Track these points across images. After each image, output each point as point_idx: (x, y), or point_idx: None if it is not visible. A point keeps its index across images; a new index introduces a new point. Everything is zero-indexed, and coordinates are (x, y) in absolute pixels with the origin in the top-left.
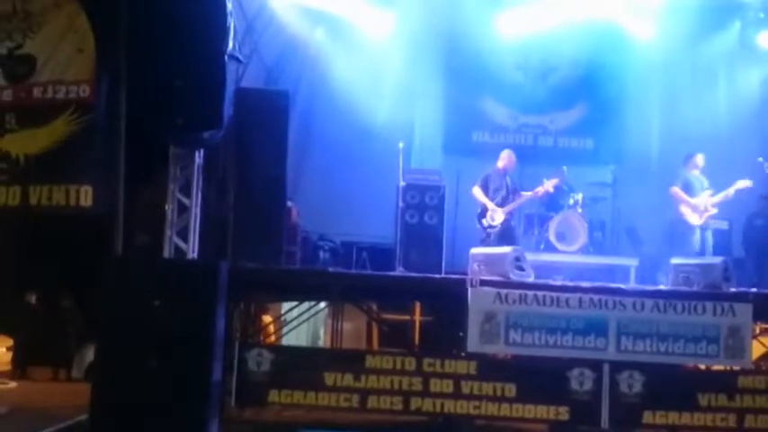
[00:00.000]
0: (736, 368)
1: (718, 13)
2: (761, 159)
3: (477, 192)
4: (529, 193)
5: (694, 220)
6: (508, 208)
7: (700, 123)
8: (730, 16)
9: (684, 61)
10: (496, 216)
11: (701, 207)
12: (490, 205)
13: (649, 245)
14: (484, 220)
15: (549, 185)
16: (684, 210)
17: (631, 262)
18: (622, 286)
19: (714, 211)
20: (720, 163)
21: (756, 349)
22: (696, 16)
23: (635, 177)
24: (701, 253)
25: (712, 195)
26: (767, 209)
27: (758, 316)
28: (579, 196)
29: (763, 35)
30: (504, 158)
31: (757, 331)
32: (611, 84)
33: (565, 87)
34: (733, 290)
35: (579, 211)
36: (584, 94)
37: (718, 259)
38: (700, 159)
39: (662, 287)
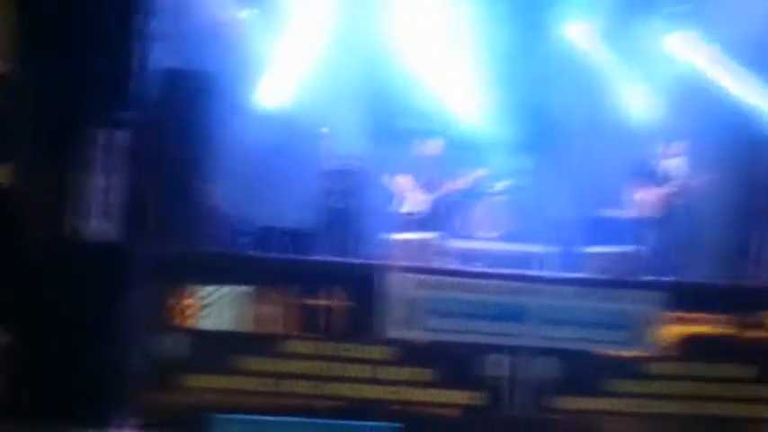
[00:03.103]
0: (647, 354)
1: (640, 3)
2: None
3: (402, 177)
4: (454, 184)
5: (649, 210)
6: (431, 196)
7: (620, 111)
8: (651, 7)
9: (607, 49)
10: (419, 203)
11: (656, 196)
12: (413, 192)
13: (569, 233)
14: (406, 207)
15: (474, 176)
16: (641, 199)
17: (550, 250)
18: (540, 274)
19: (671, 202)
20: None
21: (667, 336)
22: (619, 6)
23: (556, 166)
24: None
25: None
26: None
27: (669, 304)
28: (501, 184)
29: (676, 35)
30: (433, 146)
31: (669, 318)
32: (535, 73)
33: (488, 73)
34: (646, 278)
35: (500, 198)
36: (507, 82)
37: (631, 248)
38: (675, 146)
39: (578, 275)
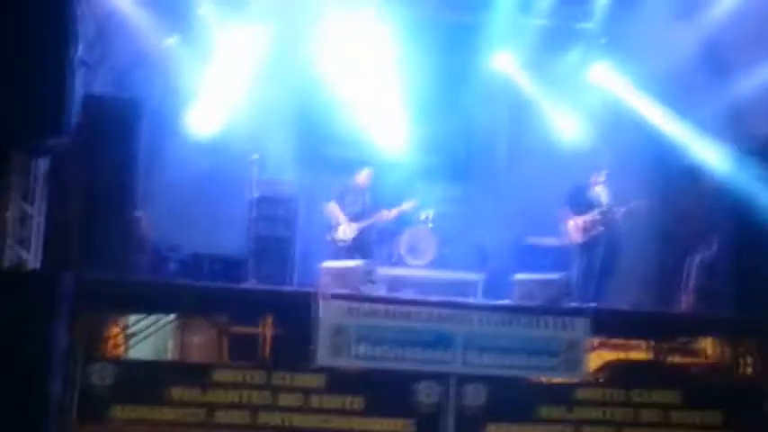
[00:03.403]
0: (575, 381)
1: (562, 35)
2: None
3: (332, 205)
4: (384, 213)
5: (576, 237)
6: (361, 225)
7: (546, 140)
8: (572, 40)
9: (532, 78)
10: (348, 231)
11: (585, 224)
12: (343, 220)
13: (496, 260)
14: (335, 234)
15: (404, 207)
16: (569, 227)
17: (478, 276)
18: (469, 301)
19: (598, 230)
20: (562, 177)
21: (593, 362)
22: (542, 36)
23: (483, 193)
24: (587, 271)
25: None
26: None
27: (595, 330)
28: (429, 212)
29: (595, 66)
30: (363, 175)
31: (595, 344)
32: (462, 102)
33: (416, 103)
34: (572, 305)
35: (429, 226)
36: (434, 111)
37: (557, 275)
38: (601, 175)
39: (506, 302)
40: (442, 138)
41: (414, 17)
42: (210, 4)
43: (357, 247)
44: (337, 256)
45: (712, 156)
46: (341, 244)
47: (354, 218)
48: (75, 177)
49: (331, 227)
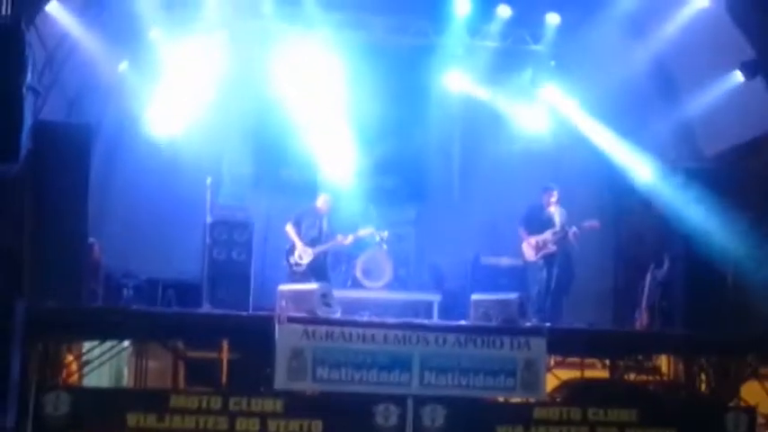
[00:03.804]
0: (532, 400)
1: (513, 57)
2: None
3: (289, 228)
4: (340, 239)
5: (530, 257)
6: (318, 249)
7: (499, 160)
8: (523, 61)
9: (484, 102)
10: (305, 255)
11: (539, 244)
12: (299, 244)
13: (452, 280)
14: (291, 258)
15: (361, 233)
16: (524, 247)
17: (434, 297)
18: (425, 322)
19: (552, 249)
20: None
21: (551, 381)
22: (493, 58)
23: (437, 215)
24: (542, 290)
25: None
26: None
27: (552, 349)
28: (384, 234)
29: (544, 88)
30: (321, 200)
31: (552, 364)
32: (416, 124)
33: (370, 126)
34: (528, 324)
35: (384, 248)
36: (388, 134)
37: (514, 295)
38: (553, 195)
39: (462, 322)
40: (396, 159)
41: (366, 41)
42: (161, 28)
43: (313, 271)
44: (292, 280)
45: (662, 176)
46: (296, 268)
47: (311, 242)
48: (26, 204)
49: (288, 249)
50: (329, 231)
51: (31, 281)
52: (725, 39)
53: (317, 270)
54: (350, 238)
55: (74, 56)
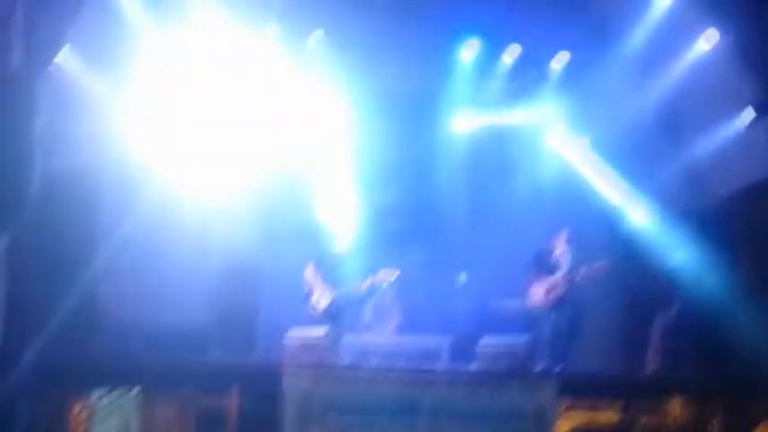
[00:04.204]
0: None
1: (521, 97)
2: None
3: (308, 273)
4: (355, 285)
5: (539, 301)
6: (337, 293)
7: (506, 203)
8: (531, 102)
9: (491, 145)
10: (323, 299)
11: (548, 287)
12: (318, 288)
13: (461, 324)
14: (311, 302)
15: (380, 276)
16: (533, 290)
17: (444, 342)
18: (434, 368)
19: (561, 293)
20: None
21: (562, 426)
22: (501, 100)
23: (446, 259)
24: (552, 334)
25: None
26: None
27: (562, 393)
28: (396, 273)
29: (552, 129)
30: (339, 242)
31: (562, 408)
32: (424, 166)
33: (379, 169)
34: (538, 368)
35: (393, 292)
36: (397, 177)
37: (523, 339)
38: (563, 237)
39: (471, 367)
40: (405, 202)
41: (374, 85)
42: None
43: (331, 315)
44: (311, 324)
45: (669, 217)
46: (314, 312)
47: (330, 286)
48: (36, 253)
49: (306, 293)
50: (347, 276)
51: (39, 331)
52: (732, 80)
53: (334, 314)
54: (368, 282)
55: (83, 103)
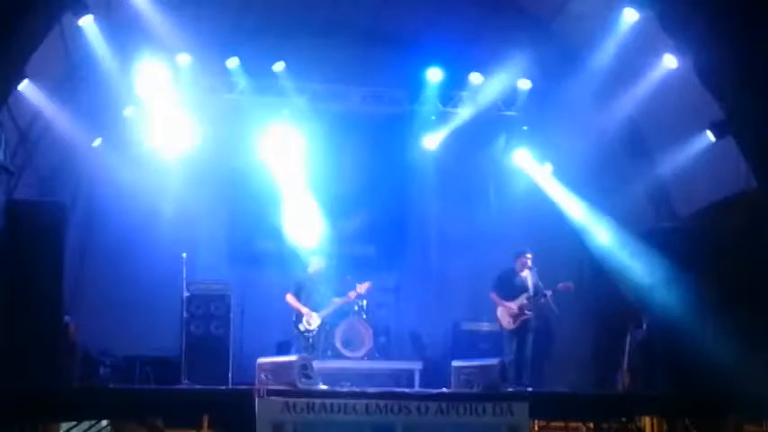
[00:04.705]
0: None
1: (486, 123)
2: None
3: (290, 299)
4: (341, 299)
5: (507, 323)
6: (324, 312)
7: (474, 227)
8: (497, 127)
9: (459, 168)
10: (312, 321)
11: (516, 311)
12: (305, 311)
13: (432, 347)
14: (301, 326)
15: (360, 289)
16: (499, 312)
17: (415, 365)
18: (407, 390)
19: (528, 314)
20: (493, 262)
21: None
22: (468, 129)
23: (416, 282)
24: (520, 355)
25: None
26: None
27: (535, 414)
28: (364, 302)
29: (518, 152)
30: (314, 264)
31: (535, 429)
32: (392, 191)
33: (347, 195)
34: (510, 389)
35: (364, 317)
36: (365, 202)
37: (495, 361)
38: (526, 259)
39: (444, 390)
40: (373, 227)
41: (340, 110)
42: (135, 105)
43: (319, 336)
44: (306, 347)
45: (636, 237)
46: (308, 334)
47: (315, 307)
48: (1, 284)
49: (295, 319)
50: (328, 294)
51: (5, 363)
52: (694, 99)
53: (326, 333)
54: (353, 295)
55: (47, 134)
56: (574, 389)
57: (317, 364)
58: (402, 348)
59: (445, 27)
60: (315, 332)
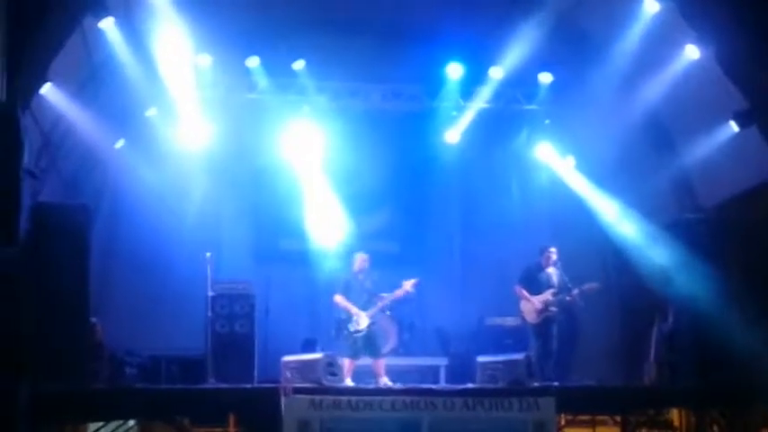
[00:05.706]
0: None
1: (508, 117)
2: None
3: (339, 299)
4: (390, 295)
5: (531, 318)
6: (372, 311)
7: (497, 222)
8: (518, 121)
9: (481, 164)
10: (361, 321)
11: (541, 306)
12: (354, 310)
13: (457, 343)
14: (351, 326)
15: (408, 286)
16: (523, 307)
17: (441, 361)
18: (432, 387)
19: (553, 311)
20: (517, 257)
21: None
22: (490, 123)
23: (440, 278)
24: (544, 350)
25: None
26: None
27: (561, 408)
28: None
29: (540, 146)
30: (359, 262)
31: (562, 423)
32: (415, 188)
33: (369, 192)
34: (536, 384)
35: (388, 313)
36: (388, 199)
37: (520, 355)
38: (551, 254)
39: (470, 385)
40: (397, 224)
41: (361, 108)
42: (157, 106)
43: (369, 336)
44: (354, 349)
45: (661, 229)
46: (358, 335)
47: (363, 306)
48: (27, 287)
49: (344, 319)
50: (375, 291)
51: (33, 365)
52: (717, 90)
53: (373, 336)
54: (398, 293)
55: (70, 137)
56: (601, 382)
57: (341, 361)
58: (426, 344)
59: (464, 22)
60: (364, 332)
